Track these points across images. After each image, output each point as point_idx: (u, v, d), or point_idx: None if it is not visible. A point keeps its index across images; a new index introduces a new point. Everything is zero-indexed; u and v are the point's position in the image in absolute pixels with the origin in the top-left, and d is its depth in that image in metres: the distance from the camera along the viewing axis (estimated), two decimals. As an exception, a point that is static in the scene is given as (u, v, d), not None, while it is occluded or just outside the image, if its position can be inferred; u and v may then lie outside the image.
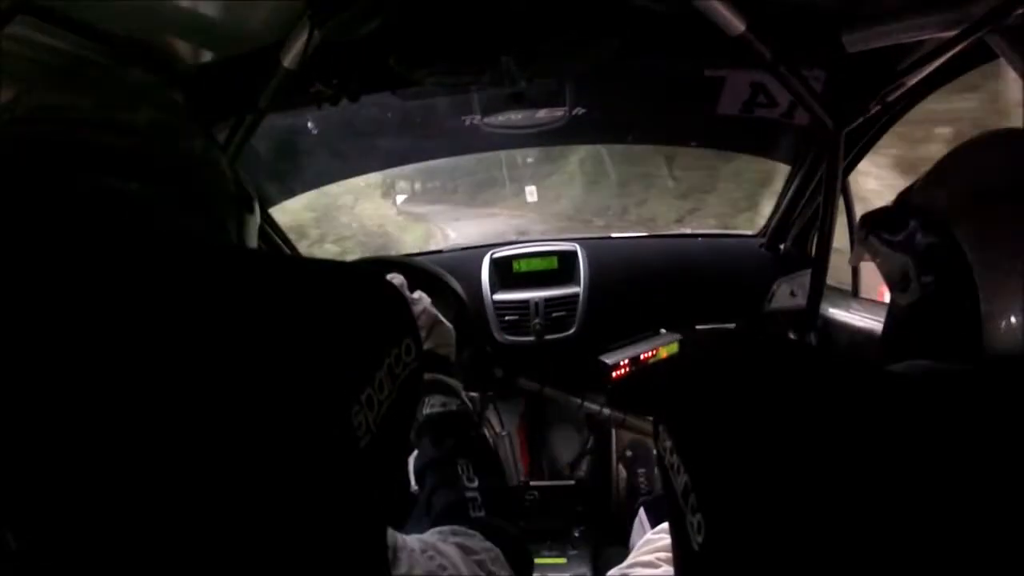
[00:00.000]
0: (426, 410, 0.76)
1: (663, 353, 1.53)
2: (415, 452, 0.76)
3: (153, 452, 0.33)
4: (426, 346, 0.82)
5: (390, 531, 0.57)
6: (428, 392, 0.78)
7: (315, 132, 1.51)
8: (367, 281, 0.51)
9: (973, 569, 0.38)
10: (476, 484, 0.69)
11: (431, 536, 0.63)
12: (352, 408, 0.42)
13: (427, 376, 0.78)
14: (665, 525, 0.83)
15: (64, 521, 0.32)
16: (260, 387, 0.37)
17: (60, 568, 0.32)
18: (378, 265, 1.74)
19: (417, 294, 0.87)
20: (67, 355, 0.34)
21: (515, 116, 1.43)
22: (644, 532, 1.29)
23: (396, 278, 0.83)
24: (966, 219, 0.47)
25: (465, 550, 0.61)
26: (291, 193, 1.74)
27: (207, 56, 0.99)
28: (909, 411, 0.43)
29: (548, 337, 1.60)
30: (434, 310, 0.86)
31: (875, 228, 0.55)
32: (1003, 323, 0.44)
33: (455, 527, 0.65)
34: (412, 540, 0.60)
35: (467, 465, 0.71)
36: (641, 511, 1.36)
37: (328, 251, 4.37)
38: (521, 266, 1.69)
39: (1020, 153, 0.48)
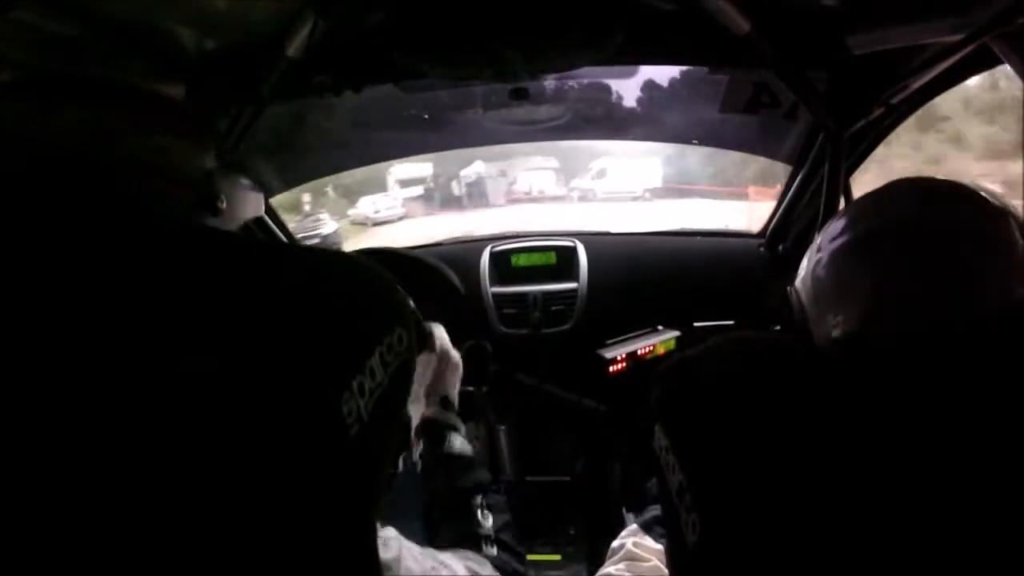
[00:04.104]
0: (446, 448, 0.84)
1: (660, 349, 1.54)
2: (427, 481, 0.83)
3: (141, 440, 0.33)
4: (434, 387, 0.89)
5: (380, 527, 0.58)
6: (444, 429, 0.85)
7: (316, 123, 1.50)
8: (360, 270, 0.51)
9: (970, 564, 0.38)
10: (490, 523, 0.76)
11: (440, 552, 0.69)
12: (342, 396, 0.42)
13: (438, 416, 0.87)
14: (631, 527, 0.87)
15: (55, 506, 0.32)
16: (249, 374, 0.37)
17: (52, 556, 0.32)
18: (376, 256, 1.74)
19: (436, 329, 0.91)
20: (55, 344, 0.34)
21: (517, 111, 1.44)
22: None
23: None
24: (817, 253, 0.64)
25: (473, 573, 0.68)
26: (290, 184, 1.74)
27: (210, 44, 0.99)
28: (906, 413, 0.44)
29: (545, 330, 1.60)
30: (451, 348, 0.91)
31: None
32: (818, 328, 0.62)
33: (467, 552, 0.71)
34: (408, 543, 0.65)
35: (482, 503, 0.78)
36: (628, 516, 1.37)
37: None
38: (520, 260, 1.69)
39: (864, 203, 0.62)
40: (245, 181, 0.59)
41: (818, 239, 0.64)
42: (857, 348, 0.55)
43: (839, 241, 0.59)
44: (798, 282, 0.66)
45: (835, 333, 0.58)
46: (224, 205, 0.54)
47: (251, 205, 0.61)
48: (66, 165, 0.44)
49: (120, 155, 0.46)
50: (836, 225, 0.61)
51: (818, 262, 0.62)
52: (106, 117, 0.48)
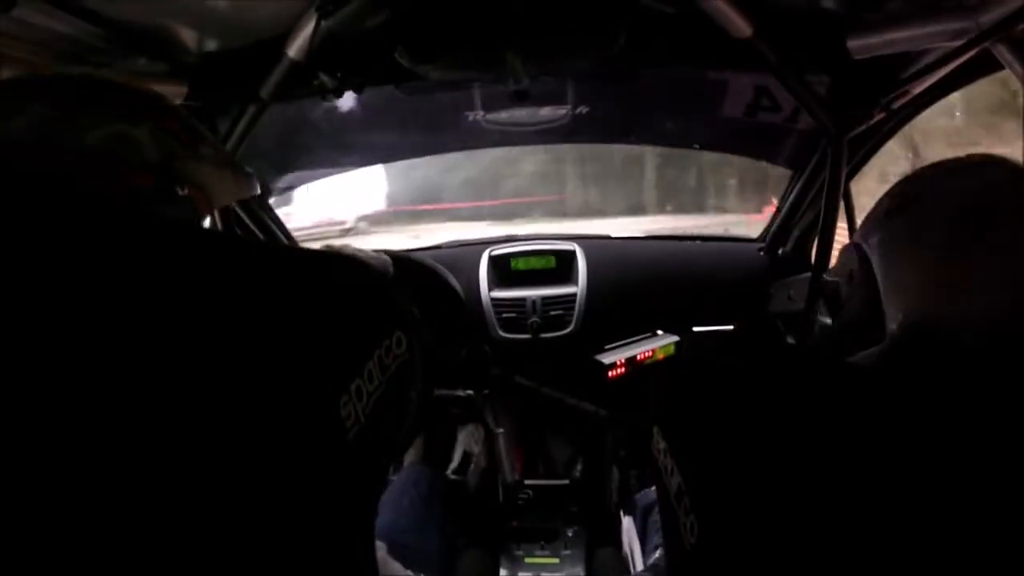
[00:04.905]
0: None
1: (660, 354, 1.53)
2: None
3: (138, 442, 0.33)
4: None
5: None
6: None
7: (316, 124, 1.50)
8: (360, 271, 0.51)
9: (967, 566, 0.38)
10: None
11: None
12: (340, 399, 0.42)
13: None
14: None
15: (51, 508, 0.31)
16: (247, 377, 0.37)
17: (44, 547, 0.31)
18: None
19: None
20: (52, 346, 0.33)
21: (518, 113, 1.44)
22: (632, 536, 1.30)
23: (348, 246, 0.86)
24: (870, 234, 0.58)
25: None
26: (290, 185, 1.74)
27: (212, 45, 0.99)
28: (902, 417, 0.44)
29: (545, 335, 1.60)
30: None
31: None
32: (895, 311, 0.54)
33: None
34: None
35: None
36: (626, 519, 1.37)
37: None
38: (519, 264, 1.69)
39: (927, 174, 0.57)
40: (224, 165, 0.58)
41: (885, 204, 0.57)
42: (932, 335, 0.50)
43: (941, 206, 0.52)
44: (867, 241, 0.58)
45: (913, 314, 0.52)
46: (185, 192, 0.53)
47: (231, 189, 0.60)
48: (24, 162, 0.44)
49: (73, 148, 0.46)
50: (944, 185, 0.54)
51: (902, 230, 0.54)
52: (61, 112, 0.47)
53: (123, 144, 0.49)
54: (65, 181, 0.45)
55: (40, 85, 0.49)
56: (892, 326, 0.54)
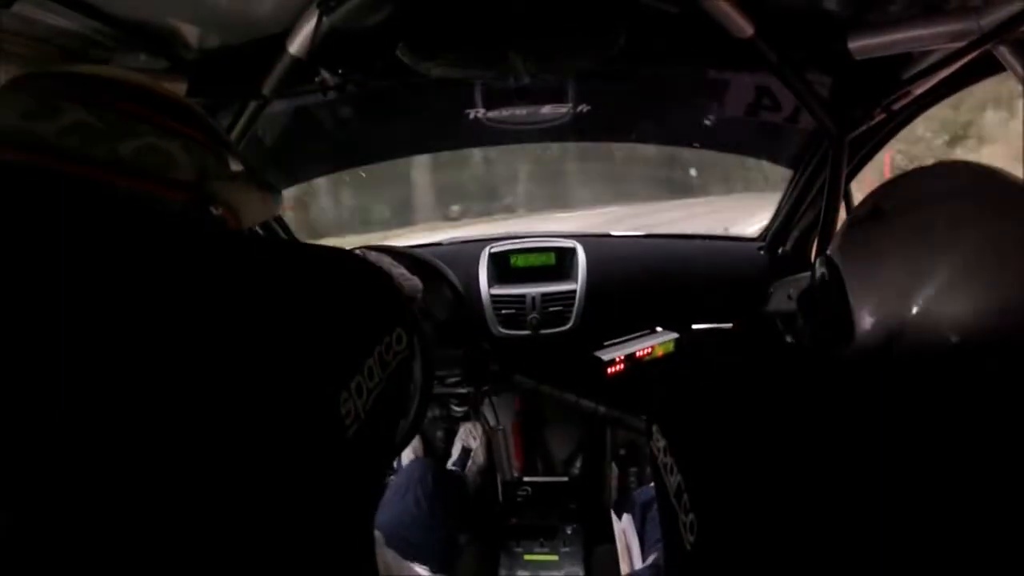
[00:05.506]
0: None
1: (659, 351, 1.53)
2: None
3: (140, 436, 0.33)
4: None
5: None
6: None
7: (317, 122, 1.50)
8: (360, 268, 0.51)
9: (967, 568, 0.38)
10: None
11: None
12: (340, 396, 0.42)
13: None
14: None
15: (51, 500, 0.32)
16: (247, 373, 0.37)
17: (46, 546, 0.31)
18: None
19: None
20: (57, 340, 0.34)
21: (519, 111, 1.43)
22: (630, 534, 1.31)
23: (383, 259, 0.84)
24: (837, 242, 0.62)
25: None
26: (290, 182, 1.74)
27: (213, 40, 0.99)
28: (901, 417, 0.44)
29: (544, 331, 1.60)
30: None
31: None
32: (863, 312, 0.57)
33: None
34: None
35: None
36: (621, 518, 1.37)
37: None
38: (519, 261, 1.69)
39: (888, 187, 0.61)
40: (253, 184, 0.57)
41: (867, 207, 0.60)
42: (920, 333, 0.52)
43: (913, 215, 0.56)
44: (836, 252, 0.62)
45: (900, 313, 0.54)
46: (219, 211, 0.51)
47: (259, 208, 0.58)
48: (58, 166, 0.43)
49: (110, 157, 0.45)
50: (902, 195, 0.58)
51: (879, 232, 0.57)
52: (96, 117, 0.45)
53: (158, 158, 0.47)
54: (97, 191, 0.44)
55: (75, 85, 0.47)
56: (864, 326, 0.57)
